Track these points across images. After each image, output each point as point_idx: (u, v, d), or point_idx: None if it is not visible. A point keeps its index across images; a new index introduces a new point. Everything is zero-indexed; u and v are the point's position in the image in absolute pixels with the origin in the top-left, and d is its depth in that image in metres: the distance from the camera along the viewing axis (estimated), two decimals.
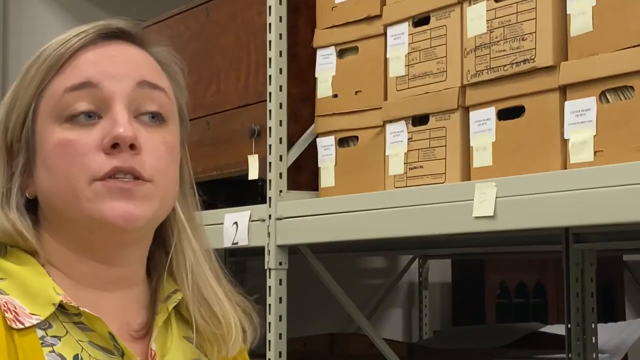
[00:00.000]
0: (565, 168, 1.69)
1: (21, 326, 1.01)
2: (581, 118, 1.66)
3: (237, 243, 2.37)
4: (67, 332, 1.03)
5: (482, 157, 1.87)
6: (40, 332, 1.02)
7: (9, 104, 1.08)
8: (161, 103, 1.08)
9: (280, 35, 2.32)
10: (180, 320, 1.13)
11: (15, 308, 1.02)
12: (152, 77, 1.08)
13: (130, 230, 1.05)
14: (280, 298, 2.26)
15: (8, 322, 1.01)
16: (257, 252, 2.38)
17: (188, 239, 1.15)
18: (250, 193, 2.51)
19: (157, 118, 1.08)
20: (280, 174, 2.29)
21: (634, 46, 1.58)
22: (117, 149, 1.03)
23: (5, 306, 1.02)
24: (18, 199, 1.07)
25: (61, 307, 1.04)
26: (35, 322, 1.02)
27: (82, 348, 1.03)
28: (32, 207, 1.09)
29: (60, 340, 1.03)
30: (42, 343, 1.01)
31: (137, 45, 1.11)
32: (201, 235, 1.17)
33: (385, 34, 2.13)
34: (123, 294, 1.09)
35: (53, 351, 1.01)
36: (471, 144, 1.90)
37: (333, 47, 2.28)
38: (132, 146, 1.03)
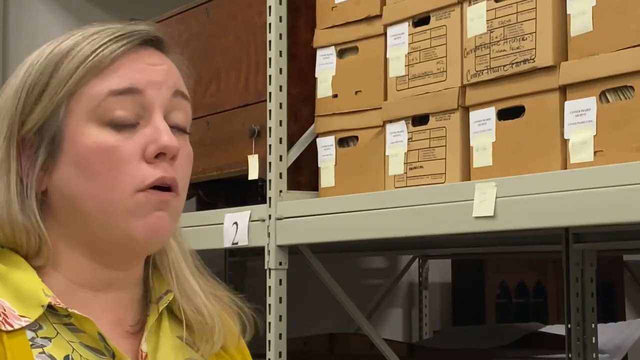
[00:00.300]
0: (565, 168, 1.69)
1: (10, 328, 1.01)
2: (581, 118, 1.66)
3: (237, 243, 2.37)
4: (58, 333, 1.03)
5: (482, 157, 1.87)
6: (30, 334, 1.02)
7: (27, 96, 1.06)
8: (187, 114, 1.10)
9: (280, 35, 2.32)
10: (173, 320, 1.13)
11: (5, 310, 1.02)
12: (183, 87, 1.11)
13: (159, 243, 1.07)
14: (280, 298, 2.26)
15: None
16: (257, 252, 2.38)
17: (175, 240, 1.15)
18: (250, 193, 2.51)
19: (183, 127, 1.09)
20: (280, 174, 2.29)
21: (634, 46, 1.58)
22: (160, 158, 1.04)
23: None
24: (33, 196, 1.05)
25: (51, 309, 1.04)
26: (24, 324, 1.02)
27: (73, 349, 1.03)
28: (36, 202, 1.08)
29: (50, 342, 1.02)
30: (32, 344, 1.01)
31: (165, 53, 1.13)
32: (179, 232, 1.16)
33: (385, 34, 2.13)
34: (118, 294, 1.09)
35: (43, 352, 1.01)
36: (471, 144, 1.90)
37: (333, 47, 2.28)
38: (173, 157, 1.05)
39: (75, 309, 1.04)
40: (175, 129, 1.07)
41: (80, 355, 1.03)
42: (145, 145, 1.04)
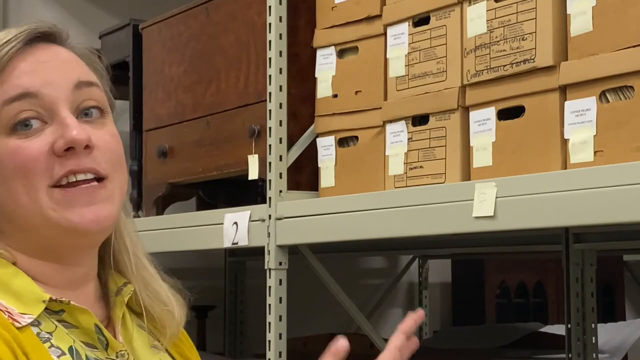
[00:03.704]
0: (565, 168, 1.69)
1: (19, 325, 1.02)
2: (581, 118, 1.66)
3: (237, 243, 2.37)
4: (56, 327, 1.05)
5: (482, 157, 1.87)
6: (35, 329, 1.03)
7: None
8: (99, 98, 1.10)
9: (280, 35, 2.32)
10: (130, 310, 1.15)
11: (7, 309, 1.03)
12: (84, 75, 1.10)
13: (100, 232, 1.07)
14: (280, 298, 2.26)
15: (10, 321, 1.02)
16: (257, 252, 2.38)
17: (123, 224, 1.16)
18: (250, 193, 2.51)
19: (97, 112, 1.09)
20: (280, 174, 2.29)
21: (634, 46, 1.58)
22: (71, 151, 1.05)
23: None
24: None
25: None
26: (29, 320, 1.03)
27: (74, 340, 1.05)
28: None
29: (52, 335, 1.04)
30: (40, 339, 1.03)
31: (59, 44, 1.11)
32: (130, 221, 1.18)
33: (385, 34, 2.13)
34: (84, 290, 1.11)
35: (52, 345, 1.03)
36: (471, 144, 1.90)
37: (333, 47, 2.28)
38: (86, 146, 1.05)
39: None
40: (90, 113, 1.08)
41: (80, 346, 1.05)
42: (54, 141, 1.05)
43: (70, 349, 1.04)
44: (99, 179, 1.07)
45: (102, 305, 1.13)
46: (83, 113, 1.08)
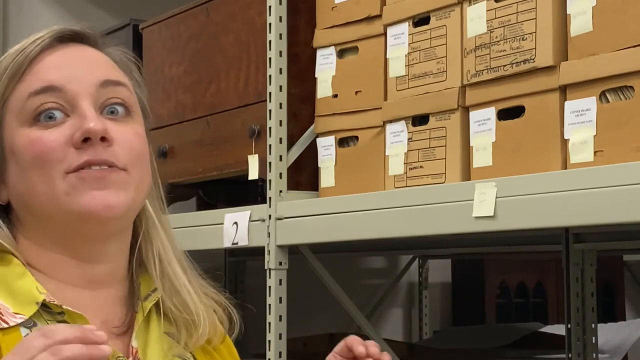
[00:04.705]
0: (565, 168, 1.69)
1: (5, 325, 1.03)
2: (581, 118, 1.66)
3: (237, 243, 2.37)
4: None
5: (482, 157, 1.87)
6: (24, 331, 1.04)
7: None
8: (125, 97, 1.11)
9: (280, 35, 2.32)
10: (162, 316, 1.14)
11: (0, 308, 1.04)
12: (112, 75, 1.12)
13: (112, 219, 1.06)
14: (280, 298, 2.26)
15: None
16: (257, 252, 2.38)
17: (155, 228, 1.16)
18: (250, 193, 2.51)
19: (123, 110, 1.10)
20: (280, 174, 2.29)
21: (634, 46, 1.58)
22: (89, 143, 1.05)
23: None
24: None
25: (45, 307, 1.06)
26: (19, 320, 1.04)
27: None
28: (3, 213, 1.11)
29: None
30: None
31: (92, 47, 1.13)
32: (167, 228, 1.19)
33: (385, 34, 2.13)
34: (105, 292, 1.11)
35: None
36: (471, 144, 1.90)
37: (333, 47, 2.28)
38: (103, 139, 1.06)
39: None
40: (115, 110, 1.09)
41: None
42: (73, 132, 1.06)
43: None
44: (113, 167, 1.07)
45: (127, 309, 1.13)
46: (109, 111, 1.09)
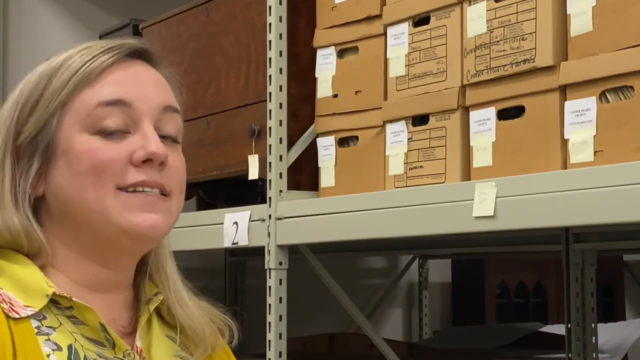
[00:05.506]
0: (565, 168, 1.69)
1: (17, 316, 1.06)
2: (581, 118, 1.66)
3: (237, 243, 2.37)
4: (61, 324, 1.08)
5: (482, 157, 1.87)
6: (35, 323, 1.07)
7: (21, 109, 1.12)
8: (178, 126, 1.16)
9: (280, 35, 2.32)
10: (162, 321, 1.19)
11: (10, 300, 1.07)
12: (172, 101, 1.16)
13: (155, 240, 1.12)
14: (280, 298, 2.26)
15: (5, 312, 1.05)
16: (257, 252, 2.38)
17: (162, 244, 1.21)
18: (250, 193, 2.51)
19: (172, 140, 1.15)
20: (280, 174, 2.29)
21: (634, 46, 1.58)
22: (148, 164, 1.10)
23: (0, 297, 1.07)
24: (27, 200, 1.11)
25: (54, 302, 1.09)
26: (30, 312, 1.07)
27: (75, 339, 1.08)
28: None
29: (54, 331, 1.07)
30: (37, 332, 1.06)
31: (154, 67, 1.17)
32: (168, 244, 1.24)
33: (385, 34, 2.13)
34: (112, 296, 1.15)
35: (49, 339, 1.06)
36: (471, 144, 1.90)
37: (333, 47, 2.28)
38: (161, 163, 1.10)
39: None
40: (166, 139, 1.13)
41: (82, 346, 1.08)
42: (133, 151, 1.10)
43: (70, 347, 1.06)
44: (163, 194, 1.12)
45: (132, 313, 1.17)
46: (161, 136, 1.13)
